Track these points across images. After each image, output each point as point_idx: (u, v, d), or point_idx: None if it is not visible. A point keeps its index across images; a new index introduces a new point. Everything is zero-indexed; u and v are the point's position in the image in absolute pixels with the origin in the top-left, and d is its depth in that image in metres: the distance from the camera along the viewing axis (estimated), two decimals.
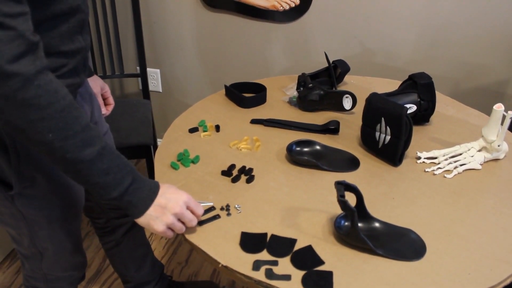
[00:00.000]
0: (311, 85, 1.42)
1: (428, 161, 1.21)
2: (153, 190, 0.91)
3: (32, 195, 1.02)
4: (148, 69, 2.37)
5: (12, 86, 0.71)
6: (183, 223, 0.94)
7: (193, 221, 0.94)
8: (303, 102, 1.44)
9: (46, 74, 0.75)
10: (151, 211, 0.90)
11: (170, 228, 0.93)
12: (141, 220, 0.91)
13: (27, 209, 1.04)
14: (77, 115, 0.80)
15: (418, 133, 1.34)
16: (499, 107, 1.14)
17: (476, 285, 0.84)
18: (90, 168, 0.82)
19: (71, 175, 0.84)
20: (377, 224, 0.98)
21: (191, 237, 0.96)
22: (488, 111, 1.57)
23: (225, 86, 1.51)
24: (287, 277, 0.86)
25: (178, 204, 0.91)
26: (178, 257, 2.06)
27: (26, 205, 1.04)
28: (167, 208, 0.91)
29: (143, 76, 2.18)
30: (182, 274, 1.98)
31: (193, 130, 1.33)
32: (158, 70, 2.40)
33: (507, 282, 0.87)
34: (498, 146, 1.17)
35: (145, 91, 2.22)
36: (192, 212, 0.95)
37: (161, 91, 2.48)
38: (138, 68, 2.34)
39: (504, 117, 1.14)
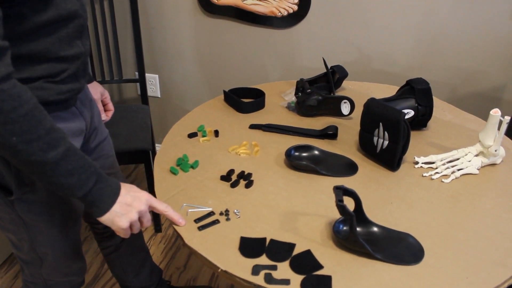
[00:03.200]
0: (309, 90, 1.43)
1: (425, 166, 1.21)
2: (115, 191, 0.93)
3: (32, 200, 1.02)
4: (146, 74, 2.37)
5: None
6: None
7: (149, 221, 0.98)
8: (301, 107, 1.44)
9: (10, 79, 0.76)
10: (117, 207, 0.92)
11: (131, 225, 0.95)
12: (105, 218, 0.92)
13: (27, 214, 1.05)
14: (40, 119, 0.80)
15: (415, 138, 1.34)
16: (495, 112, 1.15)
17: None
18: (55, 169, 0.83)
19: (36, 176, 0.85)
20: (375, 229, 0.98)
21: (191, 242, 0.97)
22: (485, 116, 1.59)
23: (224, 91, 1.52)
24: (286, 282, 0.87)
25: (142, 203, 0.95)
26: (176, 262, 2.06)
27: (26, 210, 1.04)
28: (133, 206, 0.93)
29: (142, 81, 2.19)
30: (181, 279, 1.97)
31: (192, 135, 1.33)
32: (156, 76, 2.41)
33: (505, 285, 0.87)
34: (495, 151, 1.18)
35: (144, 97, 2.23)
36: (155, 209, 0.98)
37: (159, 96, 2.48)
38: (136, 73, 2.34)
39: (501, 122, 1.15)
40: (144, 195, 0.96)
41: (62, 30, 0.90)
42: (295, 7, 1.97)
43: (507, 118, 1.12)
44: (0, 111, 0.74)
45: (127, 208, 0.93)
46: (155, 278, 1.69)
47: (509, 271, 0.89)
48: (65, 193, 0.88)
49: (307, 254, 0.93)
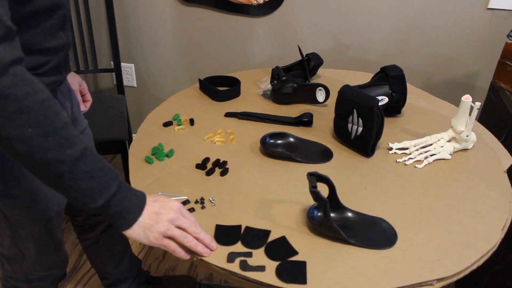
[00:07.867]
0: (284, 78, 1.43)
1: (399, 152, 1.23)
2: (141, 200, 0.84)
3: (16, 195, 1.00)
4: (122, 64, 2.34)
5: None
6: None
7: (192, 226, 0.87)
8: (277, 95, 1.44)
9: (21, 65, 0.70)
10: (145, 218, 0.83)
11: (169, 237, 0.86)
12: (135, 232, 0.83)
13: (10, 209, 1.03)
14: (56, 110, 0.73)
15: (389, 124, 1.36)
16: (467, 98, 1.17)
17: (445, 271, 0.87)
18: (73, 170, 0.75)
19: (52, 182, 0.76)
20: (349, 214, 0.99)
21: None
22: (457, 103, 1.61)
23: (199, 79, 1.51)
24: (261, 268, 0.87)
25: (171, 210, 0.86)
26: (155, 252, 2.05)
27: (9, 205, 1.02)
28: (161, 213, 0.84)
29: (117, 71, 2.16)
30: (160, 269, 1.97)
31: (167, 124, 1.32)
32: (132, 65, 2.38)
33: (474, 266, 0.89)
34: (467, 136, 1.20)
35: (120, 86, 2.20)
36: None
37: (135, 86, 2.46)
38: (112, 63, 2.31)
39: (471, 108, 1.17)
40: (174, 203, 0.87)
41: (46, 22, 0.87)
42: None
43: (478, 104, 1.14)
44: (13, 98, 0.67)
45: (156, 217, 0.84)
46: (135, 269, 1.69)
47: (479, 253, 0.91)
48: (84, 202, 0.78)
49: (282, 240, 0.94)
